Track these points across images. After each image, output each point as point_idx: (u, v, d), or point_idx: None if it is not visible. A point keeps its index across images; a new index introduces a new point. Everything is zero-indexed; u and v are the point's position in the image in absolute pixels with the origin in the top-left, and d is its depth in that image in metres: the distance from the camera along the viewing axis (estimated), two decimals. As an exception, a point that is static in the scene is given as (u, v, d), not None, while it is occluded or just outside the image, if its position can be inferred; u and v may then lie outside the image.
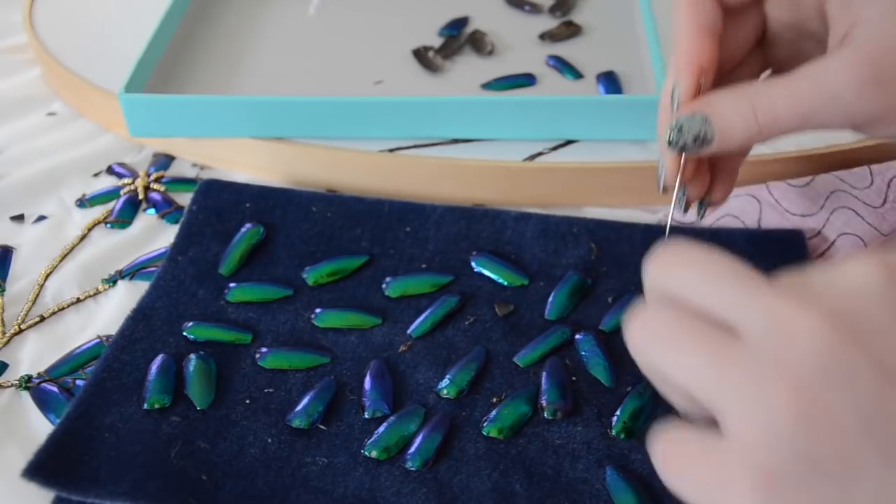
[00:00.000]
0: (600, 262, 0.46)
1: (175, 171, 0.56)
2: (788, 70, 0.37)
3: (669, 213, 0.40)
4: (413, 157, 0.52)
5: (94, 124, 0.59)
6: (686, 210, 0.40)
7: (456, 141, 0.53)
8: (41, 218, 0.52)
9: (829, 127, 0.36)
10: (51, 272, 0.49)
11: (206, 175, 0.55)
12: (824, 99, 0.35)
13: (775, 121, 0.36)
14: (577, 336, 0.43)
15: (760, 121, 0.36)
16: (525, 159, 0.52)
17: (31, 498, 0.37)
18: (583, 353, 0.42)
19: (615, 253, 0.47)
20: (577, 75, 0.58)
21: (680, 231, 0.48)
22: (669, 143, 0.37)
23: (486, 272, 0.46)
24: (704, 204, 0.41)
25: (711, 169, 0.40)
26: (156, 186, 0.54)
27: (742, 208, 0.49)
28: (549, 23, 0.63)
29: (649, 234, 0.47)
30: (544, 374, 0.41)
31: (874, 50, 0.35)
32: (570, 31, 0.62)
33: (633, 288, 0.45)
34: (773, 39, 0.41)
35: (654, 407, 0.40)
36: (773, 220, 0.48)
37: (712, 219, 0.49)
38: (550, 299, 0.45)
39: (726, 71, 0.40)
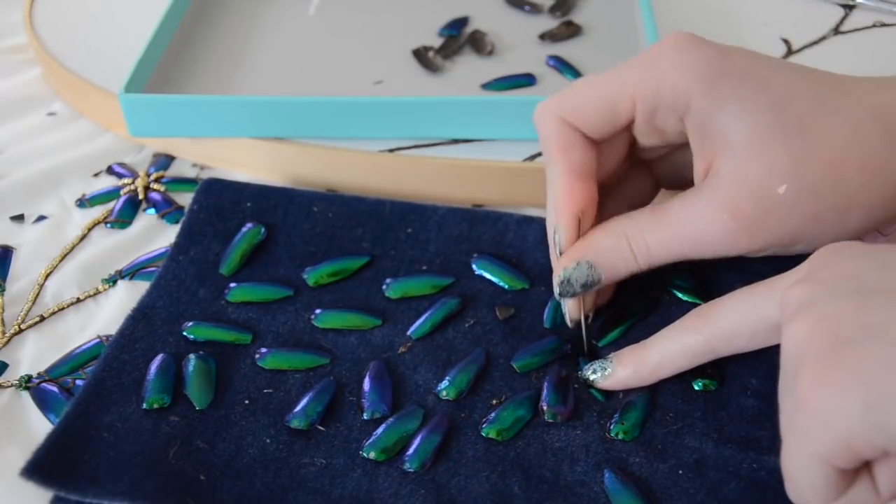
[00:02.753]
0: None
1: (175, 171, 0.56)
2: (671, 182, 0.42)
3: (583, 339, 0.42)
4: (413, 157, 0.52)
5: (94, 124, 0.59)
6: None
7: (456, 141, 0.53)
8: (41, 218, 0.53)
9: (708, 258, 0.38)
10: (51, 272, 0.49)
11: (206, 175, 0.55)
12: (695, 238, 0.37)
13: (651, 259, 0.39)
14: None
15: (639, 260, 0.39)
16: (525, 159, 0.52)
17: (30, 498, 0.37)
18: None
19: None
20: (577, 75, 0.58)
21: None
22: (561, 295, 0.40)
23: (487, 275, 0.46)
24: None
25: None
26: (156, 186, 0.54)
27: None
28: (549, 23, 0.63)
29: None
30: (546, 381, 0.41)
31: (734, 193, 0.36)
32: (570, 31, 0.62)
33: (632, 307, 0.45)
34: (648, 158, 0.43)
35: (654, 409, 0.40)
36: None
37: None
38: (548, 308, 0.45)
39: (612, 186, 0.42)
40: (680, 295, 0.44)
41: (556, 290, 0.40)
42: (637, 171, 0.44)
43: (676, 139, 0.40)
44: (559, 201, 0.39)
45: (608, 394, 0.41)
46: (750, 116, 0.36)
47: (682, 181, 0.42)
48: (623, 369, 0.40)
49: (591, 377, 0.41)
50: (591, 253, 0.39)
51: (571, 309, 0.42)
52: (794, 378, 0.31)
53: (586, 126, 0.39)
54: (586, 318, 0.42)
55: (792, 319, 0.32)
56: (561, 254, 0.40)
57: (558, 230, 0.40)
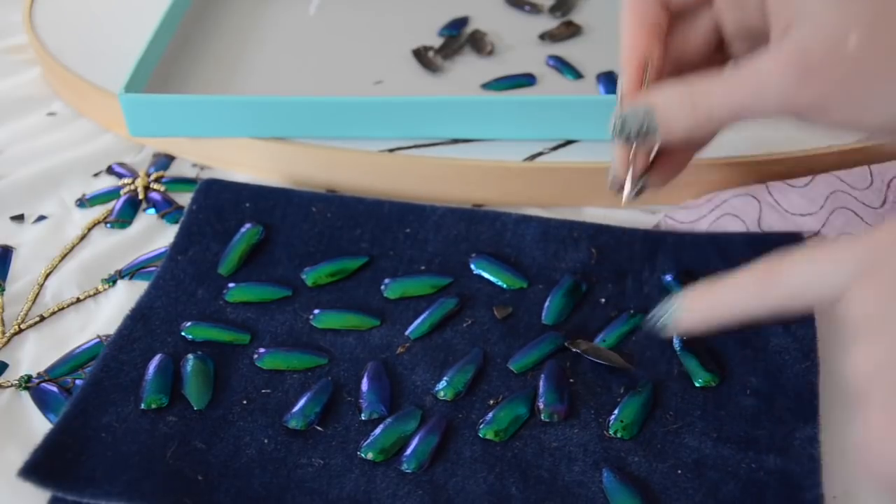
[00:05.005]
0: (600, 268, 0.46)
1: (175, 171, 0.56)
2: None
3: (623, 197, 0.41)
4: (413, 157, 0.52)
5: (94, 124, 0.59)
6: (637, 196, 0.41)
7: (456, 141, 0.53)
8: (41, 218, 0.53)
9: (768, 116, 0.37)
10: (51, 272, 0.49)
11: (206, 175, 0.55)
12: (758, 90, 0.36)
13: (712, 111, 0.37)
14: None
15: (698, 114, 0.37)
16: (525, 159, 0.52)
17: (29, 498, 0.37)
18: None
19: (615, 259, 0.47)
20: (577, 75, 0.58)
21: (678, 235, 0.48)
22: (613, 133, 0.38)
23: (486, 274, 0.46)
24: (640, 185, 0.41)
25: (658, 158, 0.41)
26: (156, 186, 0.54)
27: (742, 208, 0.48)
28: (549, 23, 0.63)
29: (648, 242, 0.47)
30: (542, 377, 0.41)
31: (808, 40, 0.35)
32: (570, 31, 0.61)
33: (631, 304, 0.45)
34: (729, 41, 0.42)
35: (653, 406, 0.40)
36: (773, 219, 0.48)
37: (712, 217, 0.49)
38: (547, 304, 0.45)
39: (686, 72, 0.41)
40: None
41: (611, 131, 0.39)
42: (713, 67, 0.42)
43: (754, 13, 0.39)
44: (624, 49, 0.39)
45: (606, 389, 0.41)
46: None
47: None
48: (690, 316, 0.38)
49: (659, 323, 0.38)
50: (651, 101, 0.38)
51: (619, 164, 0.40)
52: (860, 408, 0.30)
53: None
54: (634, 183, 0.40)
55: (858, 339, 0.31)
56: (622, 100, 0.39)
57: (621, 77, 0.39)
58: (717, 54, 0.42)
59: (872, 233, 0.33)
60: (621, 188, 0.41)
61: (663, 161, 0.41)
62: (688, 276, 0.45)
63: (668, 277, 0.45)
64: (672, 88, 0.38)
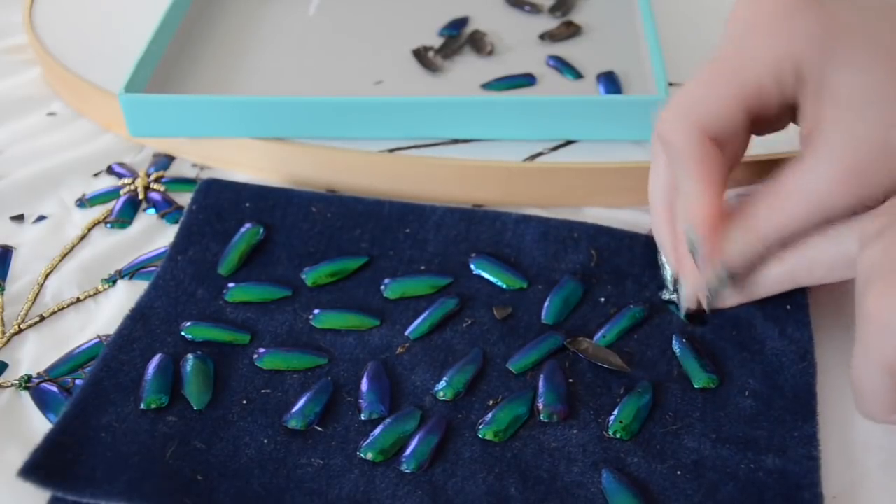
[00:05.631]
0: (599, 269, 0.46)
1: (175, 171, 0.56)
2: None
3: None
4: (413, 157, 0.52)
5: (94, 124, 0.59)
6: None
7: (456, 141, 0.53)
8: (41, 218, 0.53)
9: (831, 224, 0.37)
10: (51, 272, 0.49)
11: (206, 175, 0.55)
12: (815, 207, 0.36)
13: (780, 241, 0.37)
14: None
15: (769, 248, 0.38)
16: (525, 159, 0.52)
17: (29, 498, 0.37)
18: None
19: (615, 262, 0.47)
20: (577, 75, 0.58)
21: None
22: (709, 300, 0.40)
23: (485, 275, 0.46)
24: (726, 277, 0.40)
25: None
26: (156, 186, 0.54)
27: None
28: (549, 23, 0.63)
29: (650, 247, 0.47)
30: (542, 377, 0.41)
31: (849, 146, 0.35)
32: (570, 31, 0.61)
33: (631, 301, 0.45)
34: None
35: (653, 407, 0.40)
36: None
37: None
38: (547, 304, 0.45)
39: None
40: (672, 309, 0.45)
41: (705, 301, 0.40)
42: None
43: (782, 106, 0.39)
44: (704, 219, 0.38)
45: (606, 389, 0.41)
46: (862, 73, 0.36)
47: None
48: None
49: (714, 289, 0.40)
50: (727, 259, 0.38)
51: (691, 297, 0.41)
52: (863, 296, 0.33)
53: (723, 128, 0.38)
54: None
55: (866, 246, 0.35)
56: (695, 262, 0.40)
57: (699, 245, 0.39)
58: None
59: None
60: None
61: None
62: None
63: (666, 296, 0.45)
64: (735, 236, 0.38)
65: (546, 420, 0.40)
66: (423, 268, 0.47)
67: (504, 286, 0.46)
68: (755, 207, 0.37)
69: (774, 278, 0.41)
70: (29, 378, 0.43)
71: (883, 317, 0.33)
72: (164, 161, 0.56)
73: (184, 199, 0.53)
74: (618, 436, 0.39)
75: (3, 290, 0.48)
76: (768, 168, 0.49)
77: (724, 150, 0.39)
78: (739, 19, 0.39)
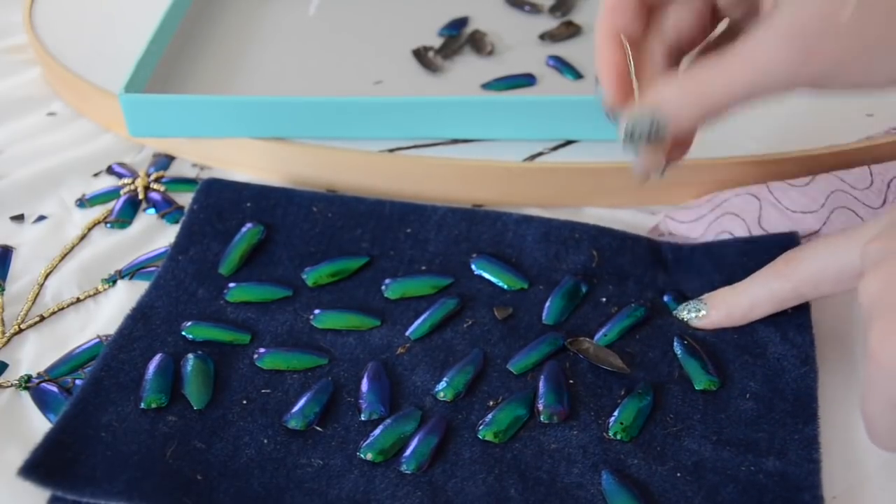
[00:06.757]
0: (601, 269, 0.46)
1: (175, 171, 0.56)
2: None
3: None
4: (413, 157, 0.52)
5: (94, 124, 0.59)
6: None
7: (456, 141, 0.53)
8: (41, 218, 0.53)
9: (775, 95, 0.37)
10: (51, 272, 0.49)
11: (206, 175, 0.55)
12: (760, 72, 0.36)
13: (716, 99, 0.37)
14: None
15: (703, 102, 0.38)
16: (525, 159, 0.52)
17: (29, 497, 0.37)
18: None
19: (616, 262, 0.46)
20: (577, 75, 0.58)
21: (674, 246, 0.48)
22: (626, 140, 0.39)
23: (486, 275, 0.46)
24: (663, 172, 0.42)
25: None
26: (156, 186, 0.54)
27: (742, 207, 0.48)
28: (549, 23, 0.63)
29: (651, 248, 0.47)
30: (542, 377, 0.41)
31: (802, 15, 0.35)
32: (570, 31, 0.62)
33: (632, 301, 0.45)
34: (723, 11, 0.42)
35: (653, 409, 0.40)
36: (774, 217, 0.48)
37: (713, 217, 0.49)
38: (547, 304, 0.45)
39: (687, 51, 0.42)
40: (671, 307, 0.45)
41: (622, 140, 0.39)
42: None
43: None
44: (598, 59, 0.40)
45: (606, 390, 0.41)
46: None
47: None
48: (717, 312, 0.42)
49: (686, 317, 0.43)
50: (656, 102, 0.38)
51: (643, 164, 0.41)
52: (867, 331, 0.34)
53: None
54: (660, 172, 0.41)
55: (867, 274, 0.35)
56: (607, 110, 0.40)
57: (604, 93, 0.40)
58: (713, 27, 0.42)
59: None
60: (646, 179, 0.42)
61: (675, 141, 0.41)
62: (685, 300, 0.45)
63: (667, 298, 0.45)
64: (673, 84, 0.38)
65: (546, 421, 0.40)
66: (423, 268, 0.47)
67: (505, 286, 0.46)
68: (702, 68, 0.38)
69: (778, 296, 0.41)
70: (29, 378, 0.43)
71: (885, 359, 0.33)
72: (164, 161, 0.56)
73: (184, 199, 0.53)
74: (618, 437, 0.39)
75: (3, 290, 0.48)
76: (768, 168, 0.50)
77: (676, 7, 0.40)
78: None
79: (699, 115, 0.38)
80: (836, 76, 0.36)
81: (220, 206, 0.49)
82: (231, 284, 0.46)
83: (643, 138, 0.38)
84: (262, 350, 0.43)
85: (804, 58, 0.36)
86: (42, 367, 0.44)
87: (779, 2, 0.36)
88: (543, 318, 0.44)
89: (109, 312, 0.46)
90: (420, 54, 0.60)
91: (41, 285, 0.48)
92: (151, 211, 0.53)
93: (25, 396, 0.42)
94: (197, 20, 0.62)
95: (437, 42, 0.61)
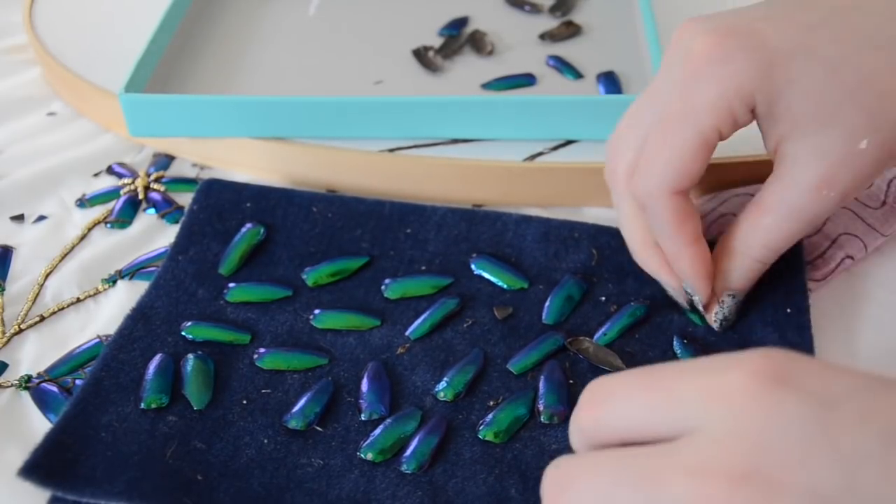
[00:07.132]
0: (600, 269, 0.46)
1: (175, 171, 0.56)
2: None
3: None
4: (413, 157, 0.52)
5: (94, 124, 0.59)
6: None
7: (456, 141, 0.53)
8: (41, 218, 0.53)
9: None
10: (51, 272, 0.49)
11: (206, 175, 0.55)
12: (800, 223, 0.39)
13: (775, 256, 0.41)
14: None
15: (766, 264, 0.42)
16: (525, 159, 0.52)
17: (30, 497, 0.37)
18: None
19: (616, 260, 0.46)
20: (577, 75, 0.58)
21: None
22: (722, 325, 0.43)
23: (486, 275, 0.46)
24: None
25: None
26: (156, 186, 0.54)
27: (742, 207, 0.48)
28: (549, 23, 0.63)
29: None
30: (542, 377, 0.41)
31: (823, 165, 0.38)
32: (570, 31, 0.61)
33: (632, 299, 0.45)
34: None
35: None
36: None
37: (713, 217, 0.49)
38: (547, 304, 0.45)
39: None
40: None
41: (717, 327, 0.43)
42: None
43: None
44: (693, 270, 0.41)
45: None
46: (810, 92, 0.37)
47: None
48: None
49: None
50: (730, 286, 0.42)
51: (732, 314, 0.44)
52: None
53: (693, 180, 0.40)
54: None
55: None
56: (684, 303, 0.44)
57: (698, 294, 0.42)
58: None
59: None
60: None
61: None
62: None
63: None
64: (732, 263, 0.42)
65: (546, 421, 0.40)
66: (423, 268, 0.47)
67: (505, 286, 0.46)
68: (740, 230, 0.41)
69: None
70: (29, 378, 0.43)
71: None
72: (164, 161, 0.56)
73: (184, 199, 0.53)
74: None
75: (3, 290, 0.48)
76: (768, 168, 0.50)
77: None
78: (674, 68, 0.40)
79: (764, 268, 0.42)
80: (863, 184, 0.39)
81: (220, 206, 0.49)
82: (231, 284, 0.46)
83: (734, 313, 0.43)
84: (262, 350, 0.43)
85: (843, 194, 0.38)
86: (42, 367, 0.44)
87: (786, 142, 0.38)
88: (543, 317, 0.44)
89: (109, 312, 0.46)
90: (420, 54, 0.60)
91: (41, 285, 0.48)
92: (151, 211, 0.53)
93: (25, 396, 0.42)
94: (197, 20, 0.62)
95: (437, 42, 0.61)
